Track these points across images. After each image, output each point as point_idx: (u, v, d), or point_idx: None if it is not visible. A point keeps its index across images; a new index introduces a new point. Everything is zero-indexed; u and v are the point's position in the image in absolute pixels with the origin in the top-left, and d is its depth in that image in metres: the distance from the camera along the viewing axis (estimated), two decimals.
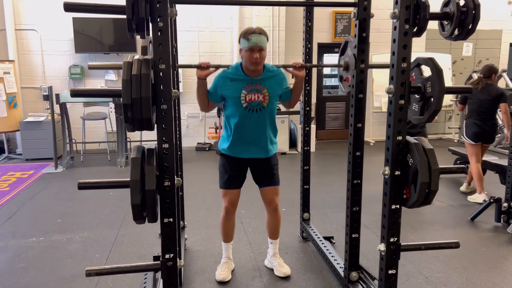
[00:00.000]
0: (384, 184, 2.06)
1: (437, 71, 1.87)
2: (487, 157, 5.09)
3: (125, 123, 1.69)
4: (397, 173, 2.00)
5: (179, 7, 7.08)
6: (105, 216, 4.27)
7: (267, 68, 2.76)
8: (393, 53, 1.93)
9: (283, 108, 7.75)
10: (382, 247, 2.08)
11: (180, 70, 7.48)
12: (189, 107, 7.79)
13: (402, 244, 2.08)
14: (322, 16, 8.07)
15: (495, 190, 4.77)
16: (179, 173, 3.35)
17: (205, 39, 7.77)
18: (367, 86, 2.50)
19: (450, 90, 1.96)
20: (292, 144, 7.65)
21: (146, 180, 1.70)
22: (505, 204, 3.93)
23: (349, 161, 2.52)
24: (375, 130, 8.37)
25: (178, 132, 3.30)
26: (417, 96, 2.01)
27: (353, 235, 2.55)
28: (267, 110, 2.76)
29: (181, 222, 3.46)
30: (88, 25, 7.10)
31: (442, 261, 3.26)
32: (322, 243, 3.22)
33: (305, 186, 3.57)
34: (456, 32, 1.95)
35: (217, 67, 2.73)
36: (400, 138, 1.97)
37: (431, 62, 1.90)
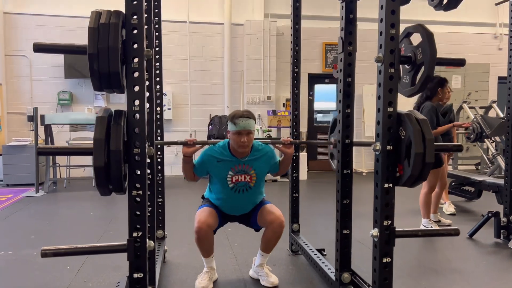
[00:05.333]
0: (375, 161, 1.90)
1: (427, 36, 1.77)
2: (482, 178, 4.95)
3: (91, 78, 1.54)
4: (388, 148, 1.85)
5: (170, 36, 7.17)
6: (82, 233, 4.01)
7: (255, 147, 2.70)
8: (381, 20, 1.84)
9: (273, 135, 7.65)
10: (375, 232, 1.89)
11: (170, 96, 7.46)
12: (179, 134, 7.67)
13: (397, 229, 1.89)
14: (313, 47, 8.17)
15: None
16: (160, 170, 3.17)
17: (196, 67, 7.78)
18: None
19: (442, 61, 1.85)
20: None
21: (112, 139, 1.54)
22: (504, 219, 3.73)
23: (339, 149, 2.37)
24: (367, 161, 8.24)
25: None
26: (407, 66, 1.90)
27: (344, 231, 2.35)
28: (254, 189, 2.71)
29: (161, 232, 3.22)
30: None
31: (441, 273, 3.03)
32: (313, 252, 2.99)
33: (294, 195, 3.38)
34: (444, 0, 1.87)
35: (203, 143, 2.68)
36: (391, 109, 1.84)
37: (420, 28, 1.81)
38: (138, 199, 1.68)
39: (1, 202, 5.39)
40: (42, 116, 5.86)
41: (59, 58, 7.15)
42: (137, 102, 1.67)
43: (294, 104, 3.37)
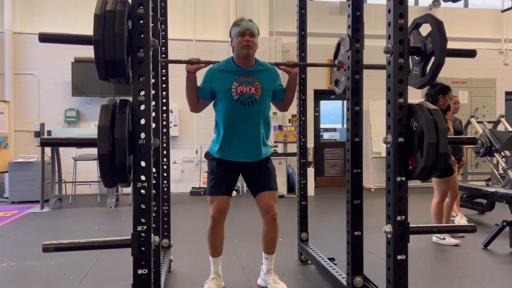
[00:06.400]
0: (386, 155, 1.85)
1: (437, 24, 1.74)
2: (494, 189, 4.84)
3: (96, 66, 1.52)
4: (400, 140, 1.79)
5: (177, 54, 7.25)
6: None
7: (259, 62, 2.68)
8: (388, 11, 1.82)
9: (279, 150, 7.59)
10: (388, 228, 1.82)
11: (176, 112, 7.47)
12: (185, 151, 7.66)
13: (411, 226, 1.82)
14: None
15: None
16: (165, 188, 3.12)
17: None
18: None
19: (452, 52, 1.82)
20: (291, 188, 7.39)
21: (116, 127, 1.50)
22: None
23: (348, 148, 2.32)
24: (375, 177, 8.13)
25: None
26: (416, 57, 1.87)
27: (355, 233, 2.27)
28: (259, 103, 2.59)
29: (167, 241, 3.15)
30: (87, 69, 7.15)
31: (456, 282, 2.92)
32: (323, 260, 2.90)
33: (302, 203, 3.30)
34: None
35: (207, 63, 2.66)
36: (401, 100, 1.79)
37: (430, 17, 1.78)
38: (143, 191, 1.63)
39: (6, 218, 5.34)
40: (49, 132, 5.87)
41: (67, 76, 7.22)
42: (142, 93, 1.64)
43: (300, 110, 3.35)
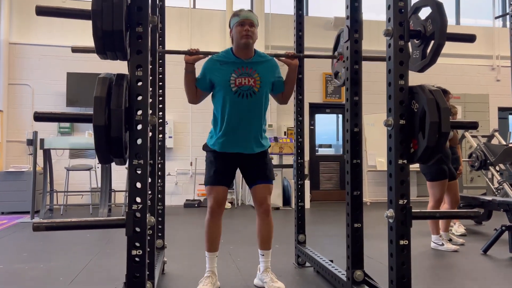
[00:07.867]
0: (387, 138, 1.82)
1: (437, 5, 1.74)
2: (491, 197, 4.81)
3: (94, 39, 1.49)
4: (401, 122, 1.77)
5: (173, 66, 7.27)
6: (78, 252, 3.83)
7: (258, 53, 2.68)
8: None
9: (275, 162, 7.54)
10: (390, 212, 1.77)
11: (171, 124, 7.43)
12: (179, 163, 7.59)
13: (413, 210, 1.77)
14: (313, 78, 8.24)
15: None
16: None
17: None
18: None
19: (452, 36, 1.81)
20: (286, 201, 7.31)
21: (113, 99, 1.46)
22: None
23: (347, 139, 2.28)
24: (370, 191, 8.07)
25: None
26: (416, 41, 1.86)
27: (355, 225, 2.21)
28: (258, 96, 2.59)
29: (161, 241, 3.07)
30: (82, 80, 7.12)
31: (459, 283, 2.86)
32: (322, 259, 2.82)
33: (300, 204, 3.24)
34: None
35: (206, 53, 2.65)
36: (402, 82, 1.78)
37: (429, 0, 1.78)
38: (138, 170, 1.58)
39: None
40: (42, 140, 5.77)
41: (61, 86, 7.19)
42: (140, 69, 1.61)
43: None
